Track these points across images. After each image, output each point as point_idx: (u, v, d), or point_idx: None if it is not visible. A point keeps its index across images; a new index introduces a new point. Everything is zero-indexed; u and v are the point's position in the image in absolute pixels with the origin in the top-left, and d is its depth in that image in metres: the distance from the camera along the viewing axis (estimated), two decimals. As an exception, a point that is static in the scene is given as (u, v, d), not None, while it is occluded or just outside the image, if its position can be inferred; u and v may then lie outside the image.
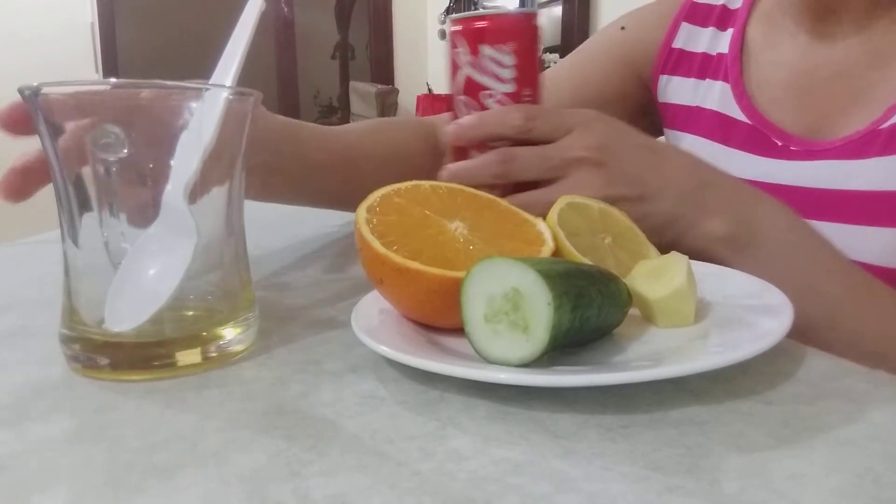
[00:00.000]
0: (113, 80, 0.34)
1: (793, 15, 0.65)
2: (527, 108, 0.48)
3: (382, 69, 4.33)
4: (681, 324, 0.37)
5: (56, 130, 0.33)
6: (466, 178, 0.47)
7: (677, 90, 0.74)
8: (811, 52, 0.63)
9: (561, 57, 3.19)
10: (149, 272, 0.34)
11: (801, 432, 0.28)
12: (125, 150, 0.33)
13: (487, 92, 0.49)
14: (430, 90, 4.16)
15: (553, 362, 0.33)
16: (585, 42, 0.81)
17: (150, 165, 0.34)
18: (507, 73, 0.49)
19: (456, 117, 0.51)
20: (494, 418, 0.30)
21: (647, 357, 0.34)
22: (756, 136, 0.65)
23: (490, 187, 0.46)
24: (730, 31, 0.71)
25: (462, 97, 0.50)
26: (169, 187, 0.34)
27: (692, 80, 0.72)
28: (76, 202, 0.34)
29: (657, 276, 0.38)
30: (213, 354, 0.35)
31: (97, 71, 3.60)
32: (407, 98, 4.15)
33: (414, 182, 0.42)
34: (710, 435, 0.28)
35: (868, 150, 0.56)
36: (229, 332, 0.36)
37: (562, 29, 3.30)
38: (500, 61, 0.49)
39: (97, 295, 0.34)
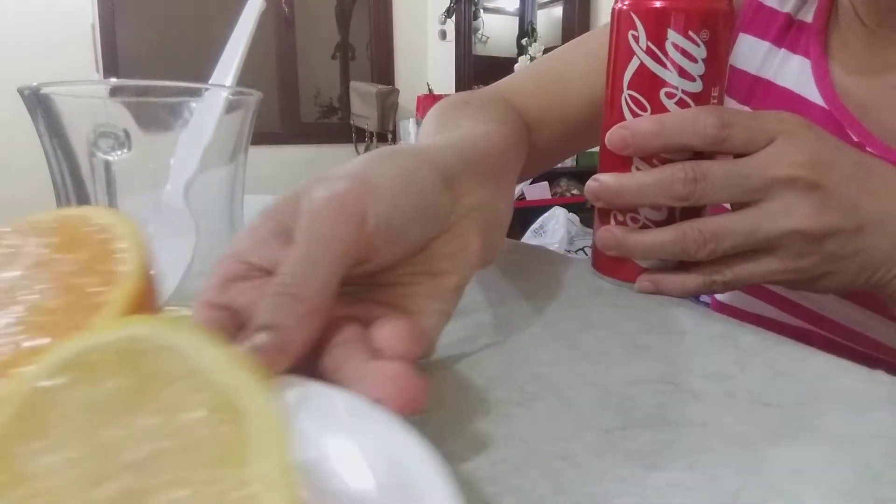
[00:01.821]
0: (113, 80, 0.34)
1: (867, 15, 0.53)
2: (720, 113, 0.38)
3: (382, 69, 4.33)
4: None
5: (56, 130, 0.33)
6: (636, 197, 0.39)
7: (747, 54, 0.59)
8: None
9: (561, 57, 3.19)
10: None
11: (800, 432, 0.28)
12: (126, 150, 0.33)
13: (668, 89, 0.39)
14: (430, 90, 4.16)
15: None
16: (597, 28, 0.68)
17: (150, 165, 0.34)
18: (696, 69, 0.39)
19: (614, 115, 0.41)
20: (493, 419, 0.30)
21: None
22: (831, 124, 0.52)
23: (655, 208, 0.39)
24: (800, 56, 0.57)
25: (630, 93, 0.40)
26: (168, 186, 0.34)
27: (766, 45, 0.58)
28: (76, 202, 0.34)
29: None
30: None
31: (98, 71, 3.60)
32: (407, 98, 4.15)
33: None
34: (710, 435, 0.28)
35: None
36: None
37: (562, 29, 3.30)
38: (689, 52, 0.38)
39: None
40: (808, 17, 0.57)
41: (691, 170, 0.37)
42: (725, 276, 0.39)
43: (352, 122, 4.08)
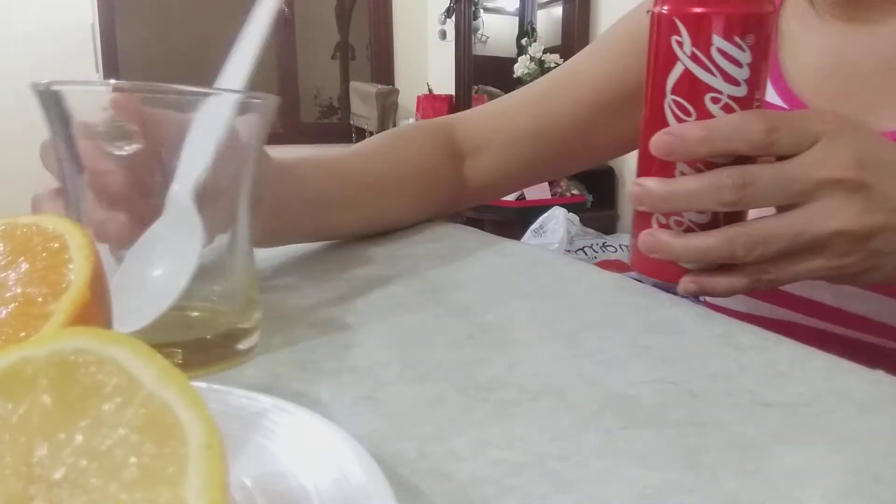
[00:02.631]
0: (124, 82, 0.34)
1: (819, 5, 0.58)
2: (766, 117, 0.38)
3: (382, 69, 4.33)
4: None
5: (67, 126, 0.33)
6: (684, 203, 0.39)
7: None
8: (852, 39, 0.56)
9: (561, 57, 3.19)
10: (153, 272, 0.34)
11: (800, 431, 0.28)
12: (133, 148, 0.33)
13: (714, 94, 0.39)
14: (430, 90, 4.16)
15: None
16: (605, 32, 0.72)
17: (157, 164, 0.34)
18: (742, 73, 0.38)
19: (656, 121, 0.41)
20: (493, 419, 0.29)
21: None
22: None
23: (699, 211, 0.39)
24: None
25: (674, 98, 0.40)
26: (175, 186, 0.34)
27: None
28: (82, 197, 0.34)
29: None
30: (220, 356, 0.35)
31: (98, 71, 3.60)
32: (407, 98, 4.14)
33: None
34: (710, 435, 0.28)
35: None
36: (236, 334, 0.36)
37: (562, 29, 3.30)
38: (735, 58, 0.38)
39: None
40: None
41: (739, 176, 0.38)
42: (770, 275, 0.40)
43: (352, 122, 4.08)
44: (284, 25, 3.97)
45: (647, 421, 0.29)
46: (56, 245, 0.27)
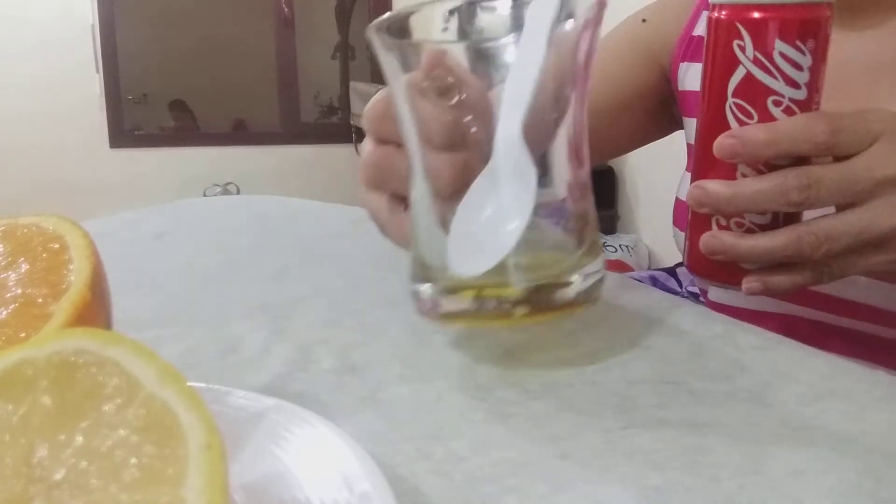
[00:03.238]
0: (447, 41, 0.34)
1: None
2: (828, 119, 0.39)
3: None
4: None
5: (399, 81, 0.34)
6: (749, 205, 0.39)
7: (696, 77, 0.66)
8: (843, 45, 0.56)
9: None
10: (489, 216, 0.33)
11: (800, 432, 0.28)
12: (455, 100, 0.33)
13: (776, 97, 0.40)
14: (430, 90, 4.15)
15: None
16: (602, 37, 0.77)
17: (475, 108, 0.34)
18: (802, 77, 0.40)
19: (717, 124, 0.41)
20: (493, 419, 0.29)
21: None
22: None
23: (761, 212, 0.40)
24: None
25: (735, 101, 0.40)
26: (500, 126, 0.33)
27: None
28: (419, 153, 0.34)
29: None
30: (563, 301, 0.33)
31: (98, 71, 3.60)
32: (407, 98, 4.14)
33: None
34: (710, 435, 0.28)
35: None
36: (579, 278, 0.34)
37: (562, 29, 3.30)
38: (796, 62, 0.39)
39: (439, 244, 0.33)
40: None
41: (805, 177, 0.38)
42: (833, 270, 0.40)
43: (352, 122, 4.07)
44: (284, 25, 3.96)
45: (647, 421, 0.29)
46: (56, 246, 0.27)
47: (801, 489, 0.24)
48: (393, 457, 0.26)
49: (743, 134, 0.39)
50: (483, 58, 0.35)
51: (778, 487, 0.24)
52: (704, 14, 0.68)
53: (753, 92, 0.40)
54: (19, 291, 0.25)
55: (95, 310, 0.26)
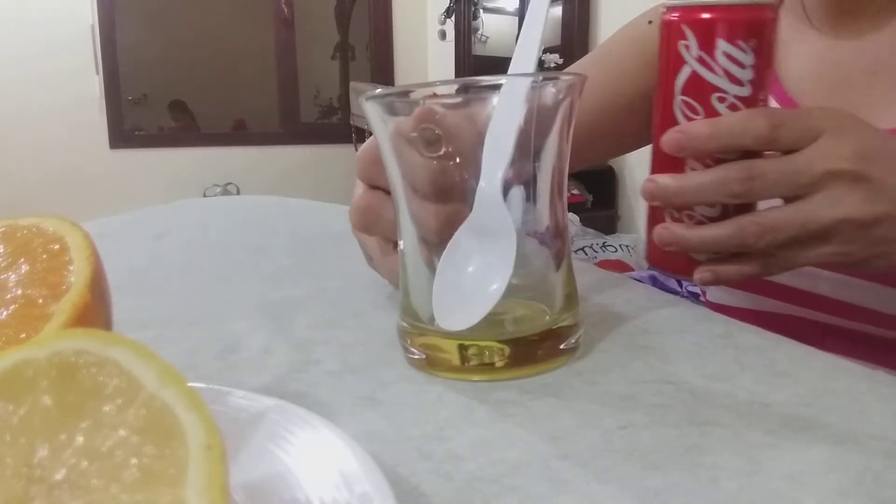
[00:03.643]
0: (430, 85, 0.34)
1: (811, 14, 0.62)
2: (770, 114, 0.41)
3: (382, 69, 4.33)
4: None
5: (386, 131, 0.35)
6: (695, 197, 0.41)
7: None
8: (838, 45, 0.60)
9: (561, 57, 3.19)
10: (472, 271, 0.34)
11: (800, 432, 0.28)
12: (442, 150, 0.34)
13: (720, 94, 0.41)
14: (430, 90, 4.15)
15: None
16: (608, 39, 0.75)
17: (460, 161, 0.35)
18: (745, 74, 0.41)
19: (667, 120, 0.43)
20: (493, 419, 0.30)
21: None
22: None
23: (710, 205, 0.41)
24: None
25: (683, 98, 0.42)
26: (482, 183, 0.34)
27: None
28: (403, 200, 0.35)
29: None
30: (546, 355, 0.35)
31: (97, 72, 3.60)
32: (407, 98, 4.14)
33: None
34: (709, 435, 0.28)
35: None
36: (559, 332, 0.35)
37: (562, 29, 3.30)
38: (738, 60, 0.41)
39: (426, 292, 0.34)
40: None
41: (746, 169, 0.40)
42: (780, 261, 0.42)
43: (352, 122, 4.07)
44: (284, 25, 3.96)
45: (647, 421, 0.29)
46: (56, 247, 0.27)
47: (801, 489, 0.24)
48: (393, 457, 0.26)
49: (687, 129, 0.41)
50: (471, 106, 0.36)
51: (777, 487, 0.24)
52: None
53: (699, 90, 0.42)
54: (19, 292, 0.25)
55: (95, 310, 0.26)
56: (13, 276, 0.26)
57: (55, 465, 0.17)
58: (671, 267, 0.45)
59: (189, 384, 0.19)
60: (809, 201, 0.40)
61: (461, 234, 0.34)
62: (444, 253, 0.34)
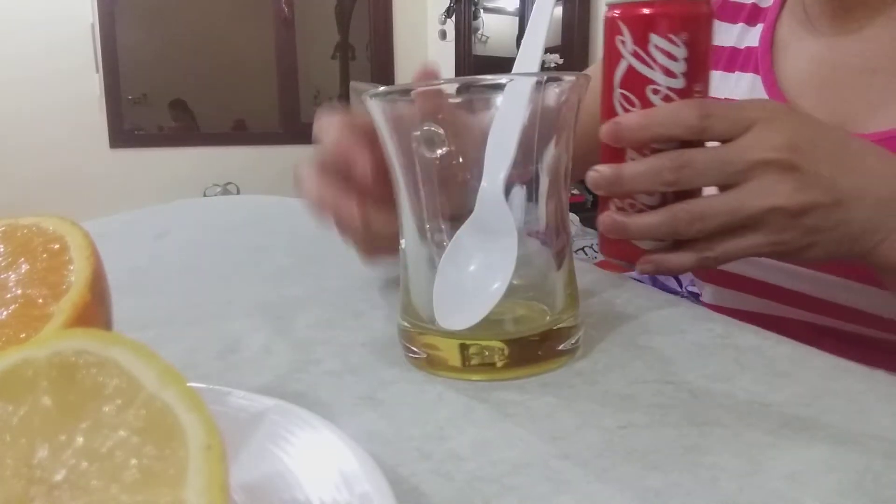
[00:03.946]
0: (432, 82, 0.35)
1: (810, 12, 0.63)
2: (700, 104, 0.42)
3: (382, 69, 4.33)
4: None
5: (397, 129, 0.35)
6: (629, 185, 0.42)
7: (723, 36, 0.70)
8: (837, 45, 0.60)
9: (561, 57, 3.18)
10: (473, 271, 0.34)
11: (800, 432, 0.28)
12: (445, 149, 0.34)
13: (653, 86, 0.43)
14: (430, 90, 4.15)
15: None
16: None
17: (462, 161, 0.35)
18: (678, 67, 0.43)
19: (608, 113, 0.45)
20: (493, 419, 0.30)
21: None
22: None
23: (649, 193, 0.43)
24: (759, 26, 0.68)
25: (621, 91, 0.44)
26: (484, 183, 0.34)
27: (719, 73, 0.69)
28: (407, 200, 0.35)
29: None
30: (545, 355, 0.35)
31: (97, 71, 3.60)
32: (407, 98, 4.14)
33: None
34: (709, 435, 0.28)
35: None
36: (559, 333, 0.35)
37: (562, 29, 3.30)
38: (670, 53, 0.43)
39: (427, 291, 0.34)
40: (754, 42, 0.67)
41: (677, 157, 0.41)
42: (715, 252, 0.42)
43: (352, 122, 4.07)
44: (284, 25, 3.96)
45: (646, 421, 0.29)
46: (56, 246, 0.27)
47: (801, 489, 0.24)
48: (393, 457, 0.26)
49: (622, 120, 0.43)
50: (474, 105, 0.36)
51: (777, 488, 0.24)
52: (713, 22, 0.71)
53: (634, 82, 0.43)
54: (19, 292, 0.25)
55: (95, 310, 0.26)
56: (13, 276, 0.26)
57: (55, 465, 0.17)
58: (620, 255, 0.46)
59: (189, 384, 0.19)
60: (740, 190, 0.41)
61: (463, 234, 0.34)
62: (446, 252, 0.34)
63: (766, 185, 0.40)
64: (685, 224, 0.41)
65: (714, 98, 0.44)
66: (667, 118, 0.42)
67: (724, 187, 0.41)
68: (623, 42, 0.43)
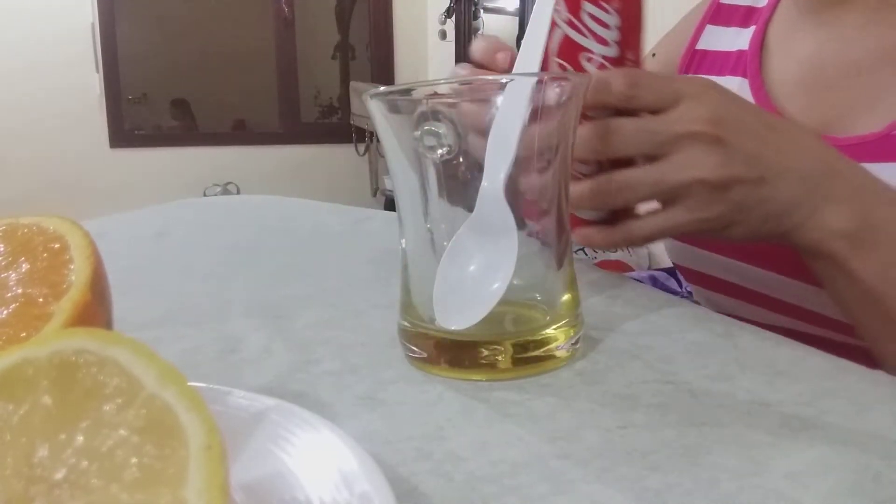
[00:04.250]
0: (437, 82, 0.34)
1: (801, 8, 0.63)
2: (629, 73, 0.42)
3: (382, 69, 4.33)
4: None
5: (397, 129, 0.35)
6: None
7: (716, 41, 0.71)
8: (824, 47, 0.61)
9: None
10: (473, 271, 0.34)
11: (800, 432, 0.28)
12: (447, 148, 0.34)
13: (587, 54, 0.43)
14: (430, 90, 4.15)
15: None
16: None
17: (464, 160, 0.35)
18: (611, 35, 0.43)
19: None
20: (493, 419, 0.30)
21: None
22: None
23: (585, 163, 0.43)
24: (752, 28, 0.69)
25: (558, 60, 0.44)
26: (484, 183, 0.34)
27: (711, 78, 0.70)
28: (407, 199, 0.35)
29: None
30: (543, 357, 0.35)
31: (97, 71, 3.60)
32: (407, 98, 4.13)
33: None
34: (709, 435, 0.28)
35: (885, 154, 0.52)
36: (557, 336, 0.35)
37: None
38: (602, 21, 0.43)
39: (427, 290, 0.34)
40: (745, 45, 0.67)
41: (605, 125, 0.42)
42: (642, 228, 0.43)
43: (352, 122, 4.08)
44: (284, 25, 3.96)
45: (646, 421, 0.29)
46: (57, 246, 0.27)
47: (801, 489, 0.24)
48: (393, 457, 0.26)
49: None
50: (475, 104, 0.36)
51: (777, 488, 0.24)
52: (707, 28, 0.71)
53: (569, 51, 0.44)
54: (20, 291, 0.25)
55: (96, 310, 0.26)
56: (13, 275, 0.26)
57: (55, 464, 0.17)
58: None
59: (189, 384, 0.19)
60: (665, 161, 0.41)
61: (463, 234, 0.34)
62: (446, 252, 0.34)
63: (690, 157, 0.40)
64: (612, 193, 0.42)
65: (647, 70, 0.46)
66: (597, 85, 0.42)
67: (651, 159, 0.42)
68: (558, 11, 0.44)
